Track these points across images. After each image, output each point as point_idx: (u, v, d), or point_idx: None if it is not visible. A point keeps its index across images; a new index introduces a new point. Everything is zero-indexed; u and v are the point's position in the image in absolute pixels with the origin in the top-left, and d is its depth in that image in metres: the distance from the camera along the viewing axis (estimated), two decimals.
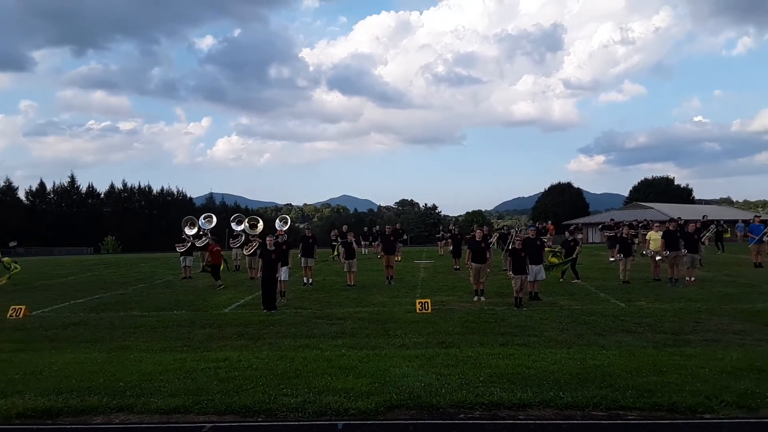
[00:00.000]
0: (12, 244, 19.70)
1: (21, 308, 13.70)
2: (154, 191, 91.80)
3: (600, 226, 37.80)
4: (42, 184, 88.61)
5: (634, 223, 29.03)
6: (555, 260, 17.59)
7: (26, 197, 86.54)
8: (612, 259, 20.43)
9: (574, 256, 17.89)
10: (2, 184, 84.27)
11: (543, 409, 6.38)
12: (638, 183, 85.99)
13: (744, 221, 31.92)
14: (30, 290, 18.94)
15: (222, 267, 18.79)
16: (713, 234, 26.39)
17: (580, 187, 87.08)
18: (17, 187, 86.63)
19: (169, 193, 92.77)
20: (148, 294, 17.58)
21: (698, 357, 8.23)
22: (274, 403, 6.61)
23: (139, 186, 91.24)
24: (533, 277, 14.23)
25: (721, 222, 31.47)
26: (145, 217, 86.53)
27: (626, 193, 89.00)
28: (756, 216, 26.85)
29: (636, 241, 23.29)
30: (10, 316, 13.41)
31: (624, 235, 18.08)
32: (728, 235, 31.93)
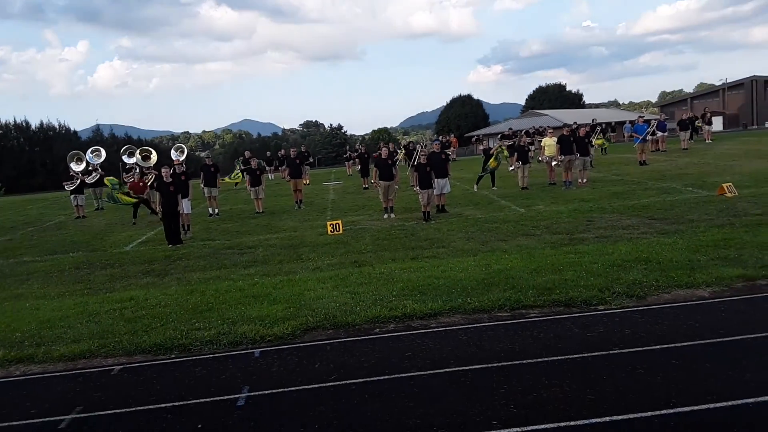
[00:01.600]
0: None
1: None
2: (33, 126, 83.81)
3: (500, 136, 39.05)
4: None
5: (530, 130, 30.20)
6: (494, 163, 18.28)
7: None
8: (511, 167, 21.23)
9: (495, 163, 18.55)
10: None
11: (453, 316, 6.68)
12: (533, 91, 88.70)
13: (630, 122, 34.03)
14: None
15: (132, 201, 17.56)
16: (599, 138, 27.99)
17: (480, 98, 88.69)
18: None
19: (51, 128, 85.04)
20: (39, 237, 16.38)
21: (591, 253, 8.87)
22: (186, 339, 6.47)
23: (15, 121, 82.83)
24: (440, 191, 14.55)
25: (611, 123, 33.41)
26: (25, 155, 79.38)
27: (523, 102, 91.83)
28: (640, 116, 28.68)
29: (532, 148, 24.30)
30: None
31: (521, 144, 18.76)
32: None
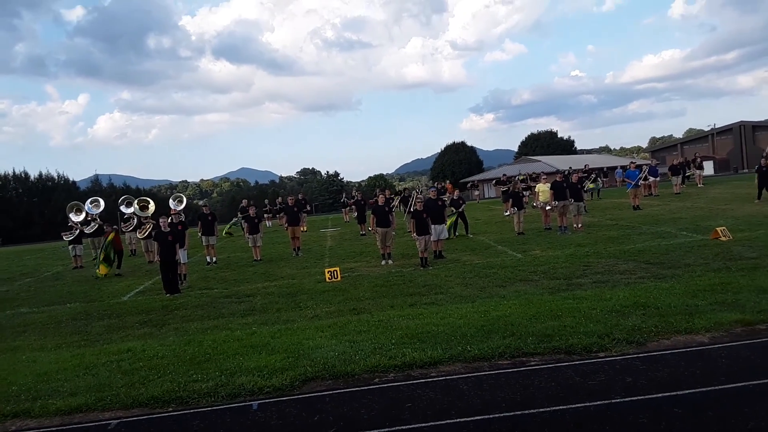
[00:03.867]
0: None
1: None
2: (32, 177, 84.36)
3: (494, 182, 39.44)
4: None
5: (524, 176, 30.53)
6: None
7: None
8: (507, 212, 21.44)
9: (461, 210, 18.67)
10: None
11: (453, 364, 6.65)
12: (526, 137, 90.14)
13: (622, 167, 34.52)
14: None
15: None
16: (595, 184, 28.34)
17: (474, 145, 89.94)
18: None
19: (50, 178, 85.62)
20: (37, 288, 16.31)
21: (589, 299, 8.88)
22: (184, 391, 6.40)
23: (14, 173, 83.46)
24: (437, 237, 14.64)
25: (604, 169, 33.85)
26: (24, 206, 79.56)
27: (516, 148, 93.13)
28: (632, 162, 29.12)
29: (527, 194, 24.57)
30: None
31: (516, 190, 19.00)
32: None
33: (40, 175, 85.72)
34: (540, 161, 59.09)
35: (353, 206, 26.38)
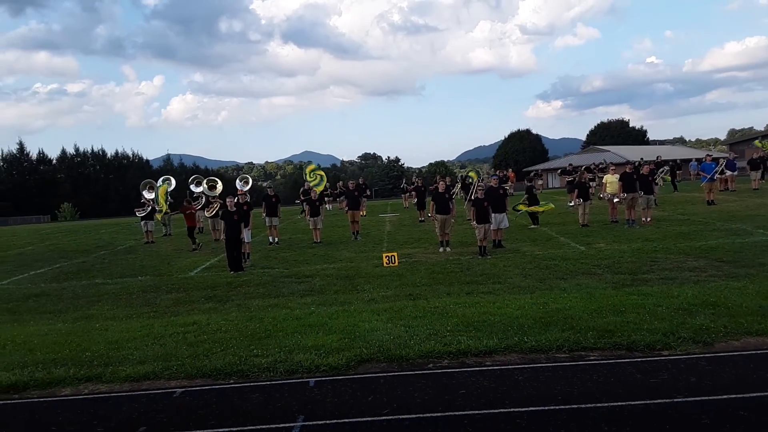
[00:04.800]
0: None
1: None
2: (109, 155, 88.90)
3: (559, 171, 38.44)
4: None
5: (592, 166, 29.59)
6: (523, 207, 18.23)
7: None
8: (571, 203, 20.86)
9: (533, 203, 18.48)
10: None
11: (508, 354, 6.58)
12: (595, 126, 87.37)
13: (697, 160, 32.86)
14: None
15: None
16: (667, 175, 27.12)
17: (539, 133, 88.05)
18: None
19: (125, 156, 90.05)
20: (111, 261, 17.24)
21: (655, 295, 8.56)
22: (245, 365, 6.63)
23: (93, 150, 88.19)
24: (496, 226, 14.45)
25: (677, 161, 32.34)
26: (101, 182, 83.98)
27: (584, 137, 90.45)
28: (708, 155, 27.67)
29: (593, 184, 23.81)
30: None
31: (582, 180, 18.44)
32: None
33: (116, 153, 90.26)
34: (609, 151, 57.09)
35: (413, 192, 26.36)
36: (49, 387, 6.48)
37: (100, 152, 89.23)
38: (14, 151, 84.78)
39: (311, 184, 23.62)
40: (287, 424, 5.07)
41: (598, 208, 20.43)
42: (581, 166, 26.90)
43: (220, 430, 5.05)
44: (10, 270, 16.51)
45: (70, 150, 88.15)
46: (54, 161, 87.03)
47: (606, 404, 5.10)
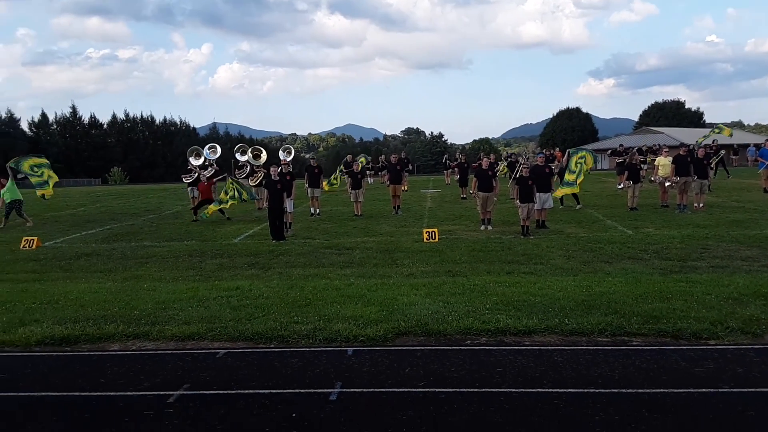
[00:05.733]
0: (20, 175, 19.67)
1: (33, 239, 13.88)
2: (157, 121, 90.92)
3: (609, 152, 37.36)
4: (44, 115, 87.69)
5: (644, 148, 28.65)
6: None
7: (29, 128, 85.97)
8: (620, 185, 20.32)
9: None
10: (4, 115, 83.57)
11: (548, 336, 6.51)
12: (648, 107, 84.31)
13: (756, 145, 31.40)
14: (41, 222, 19.14)
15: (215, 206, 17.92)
16: (719, 160, 26.03)
17: (589, 112, 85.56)
18: (19, 119, 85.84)
19: (173, 123, 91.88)
20: (158, 224, 17.75)
21: (704, 283, 8.30)
22: (285, 330, 6.77)
23: (142, 116, 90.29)
24: (541, 206, 14.20)
25: (734, 146, 30.99)
26: (149, 148, 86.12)
27: (636, 118, 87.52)
28: (767, 140, 26.40)
29: (645, 167, 23.07)
30: (23, 247, 13.61)
31: (633, 162, 17.88)
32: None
33: (165, 119, 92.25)
34: (663, 133, 55.12)
35: (456, 168, 26.11)
36: (99, 342, 6.77)
37: (149, 118, 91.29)
38: (67, 115, 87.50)
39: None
40: (325, 390, 5.16)
41: (648, 191, 19.82)
42: (632, 148, 26.04)
43: (261, 391, 5.19)
44: (64, 229, 17.19)
45: (121, 115, 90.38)
46: (105, 126, 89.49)
47: (647, 390, 5.00)
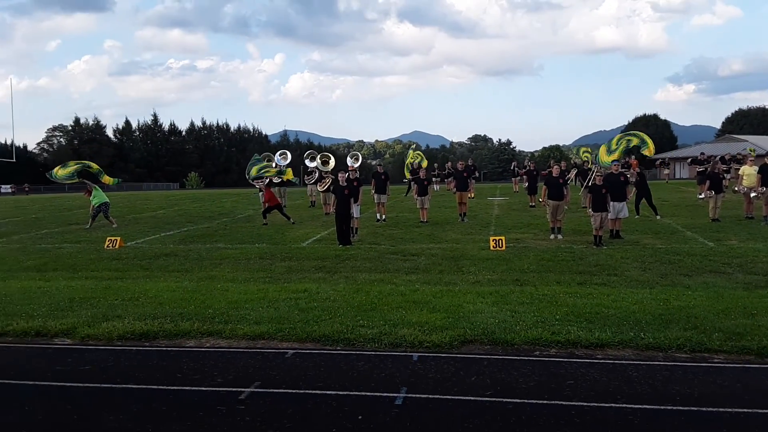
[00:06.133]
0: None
1: (116, 240, 14.72)
2: (232, 129, 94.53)
3: (689, 160, 35.62)
4: (128, 123, 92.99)
5: (727, 156, 27.13)
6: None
7: (114, 135, 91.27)
8: (701, 195, 19.36)
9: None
10: (92, 122, 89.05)
11: (622, 349, 6.26)
12: (732, 114, 79.99)
13: None
14: (123, 223, 20.27)
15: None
16: None
17: (668, 119, 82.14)
18: (105, 126, 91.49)
19: (246, 131, 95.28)
20: (231, 227, 18.40)
21: None
22: (351, 334, 6.84)
23: (218, 124, 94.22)
24: (615, 215, 13.71)
25: None
26: (224, 154, 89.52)
27: (718, 125, 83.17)
28: None
29: (728, 176, 21.85)
30: (107, 246, 14.45)
31: (715, 171, 16.96)
32: None
33: (239, 127, 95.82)
34: (747, 141, 52.03)
35: (524, 176, 25.65)
36: (175, 338, 7.08)
37: (225, 126, 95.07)
38: (149, 122, 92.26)
39: (410, 161, 23.74)
40: (391, 394, 5.17)
41: (732, 202, 18.75)
42: (714, 156, 24.72)
43: (328, 392, 5.26)
44: (144, 231, 18.13)
45: (198, 123, 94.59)
46: (183, 133, 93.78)
47: (729, 409, 4.71)
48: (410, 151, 29.27)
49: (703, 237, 13.69)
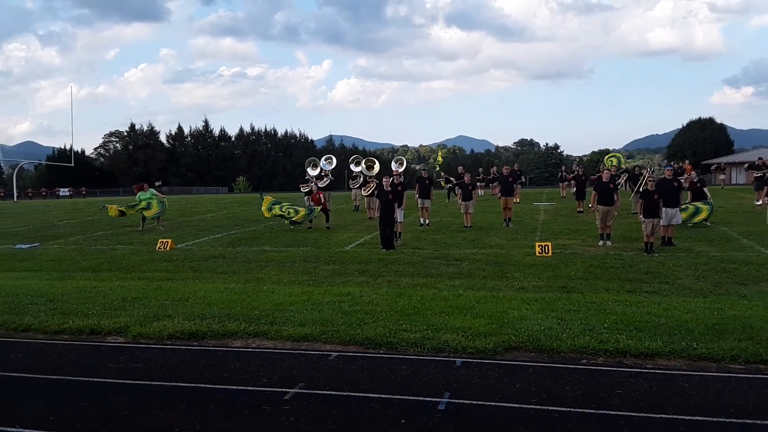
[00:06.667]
0: (157, 183, 21.73)
1: (168, 242, 15.18)
2: (279, 134, 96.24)
3: (746, 166, 34.20)
4: (180, 129, 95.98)
5: None
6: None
7: (167, 140, 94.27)
8: (759, 202, 18.58)
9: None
10: (146, 128, 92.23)
11: (673, 360, 6.07)
12: None
13: None
14: (174, 226, 20.90)
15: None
16: None
17: (724, 123, 79.00)
18: (159, 132, 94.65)
19: (293, 136, 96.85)
20: (277, 231, 18.70)
21: None
22: (394, 337, 6.85)
23: (266, 129, 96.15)
24: (667, 221, 13.29)
25: None
26: (271, 159, 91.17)
27: None
28: None
29: None
30: (159, 248, 14.92)
31: None
32: None
33: (286, 132, 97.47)
34: None
35: (572, 181, 25.13)
36: (222, 338, 7.25)
37: (272, 131, 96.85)
38: (200, 128, 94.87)
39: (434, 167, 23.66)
40: (434, 399, 5.16)
41: None
42: None
43: (371, 395, 5.29)
44: (194, 233, 18.64)
45: (247, 128, 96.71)
46: (233, 138, 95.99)
47: None
48: (439, 157, 29.19)
49: (760, 245, 13.11)
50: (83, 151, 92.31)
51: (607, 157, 27.63)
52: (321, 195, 19.36)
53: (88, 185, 72.68)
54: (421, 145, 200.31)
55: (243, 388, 5.58)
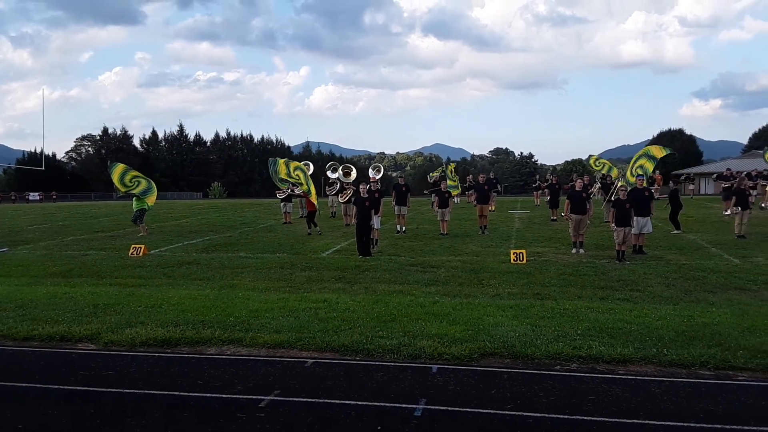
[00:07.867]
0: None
1: (141, 247, 14.96)
2: (255, 140, 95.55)
3: (714, 176, 35.07)
4: (154, 133, 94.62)
5: (753, 173, 26.69)
6: None
7: (141, 145, 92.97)
8: (727, 212, 19.07)
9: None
10: (120, 132, 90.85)
11: (645, 366, 6.18)
12: (759, 129, 78.60)
13: None
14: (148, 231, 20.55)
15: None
16: None
17: (693, 134, 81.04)
18: (132, 136, 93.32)
19: (269, 142, 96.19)
20: (253, 237, 18.57)
21: None
22: (370, 344, 6.85)
23: (242, 135, 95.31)
24: (638, 230, 13.55)
25: None
26: (247, 165, 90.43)
27: (745, 141, 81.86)
28: None
29: (754, 193, 21.46)
30: (131, 254, 14.69)
31: (741, 187, 16.68)
32: None
33: (262, 138, 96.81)
34: None
35: (546, 190, 25.49)
36: (197, 345, 7.16)
37: (248, 137, 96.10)
38: (175, 133, 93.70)
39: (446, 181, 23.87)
40: (410, 405, 5.17)
41: (758, 219, 18.40)
42: (741, 172, 24.31)
43: (347, 402, 5.28)
44: (168, 239, 18.39)
45: (223, 134, 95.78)
46: (208, 143, 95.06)
47: (755, 428, 4.63)
48: (448, 170, 29.40)
49: (728, 254, 13.45)
50: (54, 155, 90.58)
51: (593, 159, 27.97)
52: (313, 201, 19.12)
53: (59, 189, 71.25)
54: (398, 153, 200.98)
55: (217, 395, 5.52)
